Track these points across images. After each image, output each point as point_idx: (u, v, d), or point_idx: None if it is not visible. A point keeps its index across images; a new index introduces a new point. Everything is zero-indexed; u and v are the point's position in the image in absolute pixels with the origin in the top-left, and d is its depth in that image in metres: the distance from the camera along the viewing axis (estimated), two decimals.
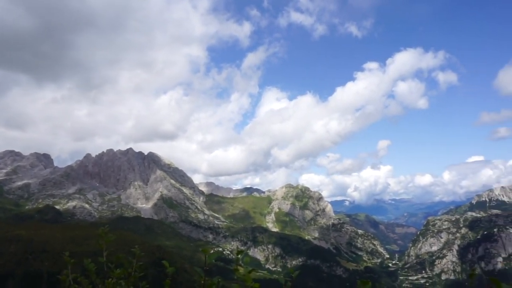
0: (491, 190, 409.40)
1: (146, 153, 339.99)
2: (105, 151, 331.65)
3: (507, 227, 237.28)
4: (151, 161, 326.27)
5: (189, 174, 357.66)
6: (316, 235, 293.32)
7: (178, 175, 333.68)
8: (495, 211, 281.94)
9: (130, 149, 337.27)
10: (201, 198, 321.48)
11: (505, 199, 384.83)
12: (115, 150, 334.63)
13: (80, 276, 4.64)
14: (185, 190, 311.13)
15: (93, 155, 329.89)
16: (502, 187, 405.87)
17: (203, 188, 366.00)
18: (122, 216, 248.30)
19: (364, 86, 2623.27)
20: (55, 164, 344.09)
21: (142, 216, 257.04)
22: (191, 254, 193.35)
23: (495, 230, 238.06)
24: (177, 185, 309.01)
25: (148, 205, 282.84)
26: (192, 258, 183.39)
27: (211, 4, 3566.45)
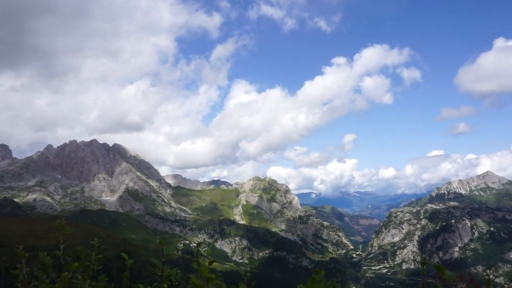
0: (449, 183, 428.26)
1: (111, 145, 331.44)
2: (67, 142, 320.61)
3: (464, 218, 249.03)
4: (116, 153, 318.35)
5: (155, 167, 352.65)
6: (283, 227, 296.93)
7: (144, 167, 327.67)
8: (453, 203, 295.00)
9: (94, 140, 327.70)
10: (168, 190, 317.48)
11: (462, 191, 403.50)
12: (78, 141, 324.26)
13: (36, 270, 4.45)
14: (152, 182, 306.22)
15: (55, 146, 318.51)
16: (460, 180, 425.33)
17: (170, 181, 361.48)
18: (86, 209, 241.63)
19: (332, 80, 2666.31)
20: (14, 155, 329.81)
21: (106, 209, 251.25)
22: (157, 247, 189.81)
23: (452, 221, 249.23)
24: (143, 177, 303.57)
25: (113, 198, 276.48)
26: (158, 251, 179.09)
27: None
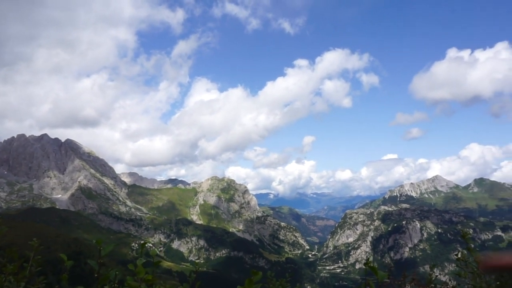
0: (401, 186, 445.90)
1: (63, 140, 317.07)
2: (15, 136, 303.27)
3: (414, 219, 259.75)
4: (68, 149, 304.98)
5: (111, 164, 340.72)
6: (241, 227, 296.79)
7: (98, 164, 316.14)
8: (404, 205, 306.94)
9: (45, 135, 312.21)
10: (123, 189, 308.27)
11: (413, 194, 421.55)
12: (27, 135, 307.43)
13: None
14: (106, 180, 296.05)
15: (1, 140, 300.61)
16: (411, 183, 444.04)
17: (126, 179, 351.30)
18: (34, 207, 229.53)
19: (294, 82, 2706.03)
20: None
21: (57, 207, 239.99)
22: (115, 244, 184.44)
23: (403, 222, 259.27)
24: (98, 175, 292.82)
25: (65, 196, 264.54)
26: (111, 252, 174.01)
27: None
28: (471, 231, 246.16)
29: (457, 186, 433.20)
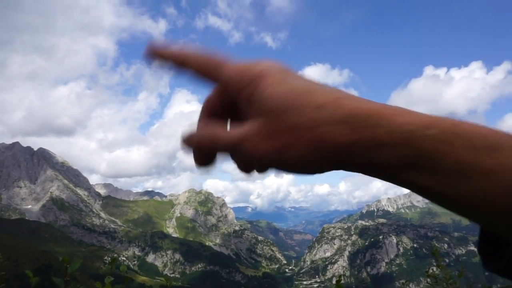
0: (379, 201, 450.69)
1: (36, 149, 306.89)
2: None
3: (390, 234, 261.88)
4: (41, 158, 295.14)
5: (85, 174, 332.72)
6: (218, 241, 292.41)
7: (72, 174, 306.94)
8: (381, 220, 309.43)
9: (17, 143, 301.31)
10: (98, 200, 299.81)
11: (390, 209, 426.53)
12: None
13: None
14: (80, 191, 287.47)
15: None
16: (388, 198, 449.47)
17: (100, 190, 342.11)
18: (2, 218, 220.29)
19: None
20: None
21: (27, 218, 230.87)
22: (82, 261, 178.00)
23: (380, 237, 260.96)
24: (71, 185, 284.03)
25: (35, 207, 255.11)
26: (83, 265, 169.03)
27: None
28: (445, 246, 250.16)
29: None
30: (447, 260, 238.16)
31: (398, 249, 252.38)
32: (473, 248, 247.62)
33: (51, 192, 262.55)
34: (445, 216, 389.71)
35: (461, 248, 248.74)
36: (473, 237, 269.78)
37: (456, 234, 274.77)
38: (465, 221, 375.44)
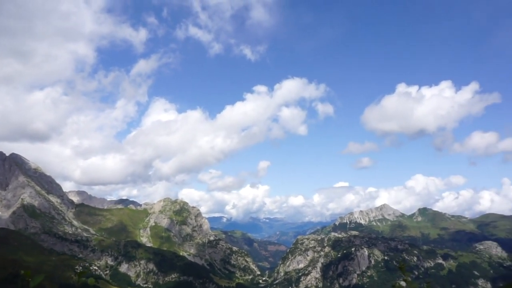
0: (351, 213, 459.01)
1: (7, 154, 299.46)
2: None
3: (362, 247, 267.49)
4: (13, 164, 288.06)
5: (58, 181, 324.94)
6: (192, 251, 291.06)
7: (45, 181, 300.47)
8: (353, 232, 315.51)
9: None
10: (71, 208, 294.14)
11: (362, 221, 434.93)
12: None
13: None
14: (52, 198, 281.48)
15: None
16: (361, 211, 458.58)
17: (74, 197, 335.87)
18: None
19: (252, 107, 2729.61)
20: None
21: None
22: (52, 270, 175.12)
23: (352, 249, 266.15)
24: (43, 192, 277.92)
25: (5, 214, 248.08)
26: (53, 274, 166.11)
27: (107, 3, 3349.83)
28: (415, 258, 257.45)
29: (402, 215, 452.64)
30: (416, 273, 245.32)
31: (370, 261, 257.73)
32: (441, 261, 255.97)
33: (22, 199, 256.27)
34: (414, 229, 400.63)
35: (429, 261, 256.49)
36: (441, 250, 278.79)
37: (425, 247, 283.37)
38: (433, 235, 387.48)
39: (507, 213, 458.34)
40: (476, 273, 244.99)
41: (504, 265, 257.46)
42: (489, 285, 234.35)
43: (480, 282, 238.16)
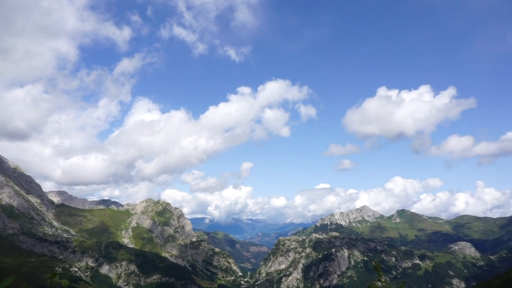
0: (332, 215, 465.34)
1: None
2: None
3: (343, 248, 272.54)
4: None
5: (38, 181, 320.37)
6: (174, 252, 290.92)
7: (24, 181, 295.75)
8: (334, 234, 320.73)
9: None
10: (51, 208, 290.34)
11: (343, 223, 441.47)
12: None
13: None
14: (32, 198, 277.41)
15: None
16: (341, 212, 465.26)
17: (54, 198, 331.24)
18: None
19: (236, 108, 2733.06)
20: None
21: None
22: (30, 271, 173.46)
23: (333, 250, 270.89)
24: (22, 192, 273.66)
25: None
26: (31, 276, 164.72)
27: (90, 0, 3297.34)
28: (393, 259, 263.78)
29: (382, 216, 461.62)
30: (394, 273, 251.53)
31: (350, 262, 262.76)
32: (418, 261, 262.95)
33: (0, 199, 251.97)
34: (393, 231, 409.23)
35: (407, 261, 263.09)
36: (418, 251, 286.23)
37: (403, 248, 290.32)
38: (410, 236, 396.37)
39: (481, 215, 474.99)
40: (451, 273, 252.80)
41: (477, 265, 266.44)
42: (463, 284, 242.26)
43: (455, 281, 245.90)
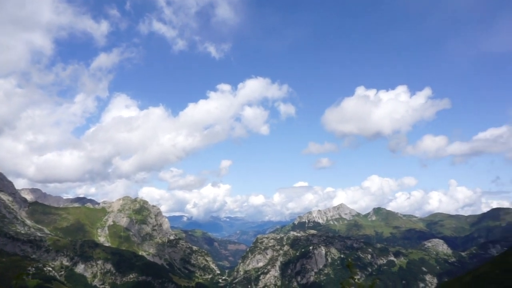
0: (310, 213, 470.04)
1: None
2: None
3: (320, 245, 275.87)
4: None
5: (10, 178, 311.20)
6: (151, 250, 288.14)
7: None
8: (312, 231, 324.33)
9: None
10: (23, 206, 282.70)
11: (320, 221, 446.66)
12: None
13: None
14: (3, 196, 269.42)
15: None
16: (319, 210, 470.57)
17: (27, 195, 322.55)
18: None
19: (215, 106, 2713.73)
20: None
21: None
22: (1, 271, 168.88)
23: (310, 248, 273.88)
24: None
25: None
26: (2, 276, 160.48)
27: None
28: (369, 256, 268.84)
29: (358, 214, 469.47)
30: (369, 270, 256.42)
31: (327, 260, 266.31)
32: (393, 258, 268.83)
33: None
34: (369, 228, 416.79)
35: (382, 258, 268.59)
36: (393, 248, 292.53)
37: (378, 245, 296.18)
38: (386, 234, 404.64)
39: (453, 213, 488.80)
40: (424, 269, 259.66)
41: (449, 261, 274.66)
42: (435, 280, 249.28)
43: (428, 277, 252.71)
